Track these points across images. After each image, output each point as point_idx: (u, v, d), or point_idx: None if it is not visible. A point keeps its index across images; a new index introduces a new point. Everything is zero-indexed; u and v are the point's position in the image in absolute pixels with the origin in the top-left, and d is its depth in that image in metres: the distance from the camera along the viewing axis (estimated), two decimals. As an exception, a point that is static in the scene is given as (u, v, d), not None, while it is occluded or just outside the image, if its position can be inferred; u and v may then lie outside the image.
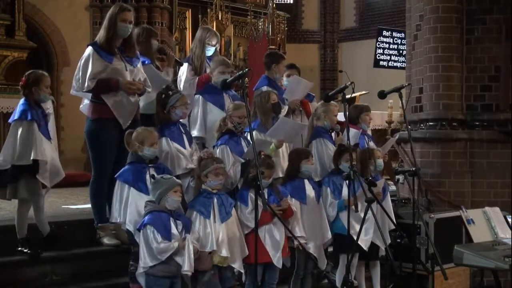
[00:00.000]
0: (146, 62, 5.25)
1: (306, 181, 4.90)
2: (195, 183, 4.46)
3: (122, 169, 4.38)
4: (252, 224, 4.14)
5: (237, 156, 4.80)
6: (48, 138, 4.73)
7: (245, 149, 4.80)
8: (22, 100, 4.69)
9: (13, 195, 4.66)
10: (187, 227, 4.12)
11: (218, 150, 4.86)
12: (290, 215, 4.62)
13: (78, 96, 4.98)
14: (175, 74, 6.05)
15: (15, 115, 4.66)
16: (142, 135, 4.36)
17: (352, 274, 4.74)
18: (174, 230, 4.01)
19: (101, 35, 4.86)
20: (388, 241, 5.19)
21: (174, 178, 4.21)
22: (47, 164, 4.63)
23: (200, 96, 5.33)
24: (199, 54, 5.63)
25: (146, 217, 4.02)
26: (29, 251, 4.59)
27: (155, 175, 4.14)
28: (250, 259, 4.32)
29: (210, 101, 5.30)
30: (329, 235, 4.95)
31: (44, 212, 4.85)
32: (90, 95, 4.85)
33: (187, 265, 3.98)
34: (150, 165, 4.36)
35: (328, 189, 5.05)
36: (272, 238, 4.49)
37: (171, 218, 4.04)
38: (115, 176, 4.40)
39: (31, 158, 4.54)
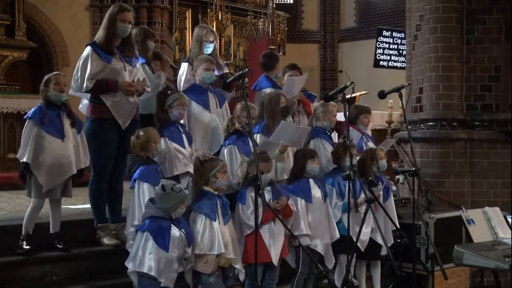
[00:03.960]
0: (141, 61, 5.25)
1: (311, 181, 4.90)
2: (194, 185, 4.43)
3: (140, 171, 4.37)
4: (253, 224, 4.15)
5: (245, 156, 4.80)
6: (60, 137, 4.66)
7: (253, 150, 4.79)
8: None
9: (29, 193, 4.67)
10: (189, 238, 4.09)
11: (226, 150, 4.86)
12: (289, 213, 4.61)
13: (77, 96, 4.98)
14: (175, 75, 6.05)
15: None
16: (154, 135, 4.46)
17: (351, 274, 4.74)
18: (175, 238, 3.97)
19: (100, 35, 4.85)
20: (391, 241, 5.21)
21: (184, 190, 4.16)
22: (44, 162, 4.57)
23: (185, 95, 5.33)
24: (197, 53, 5.62)
25: (147, 222, 3.99)
26: (29, 248, 4.58)
27: (165, 185, 4.05)
28: (250, 259, 4.32)
29: (194, 100, 5.28)
30: (337, 234, 4.93)
31: (61, 213, 4.85)
32: (88, 95, 4.85)
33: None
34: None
35: (334, 190, 5.03)
36: (272, 237, 4.49)
37: (172, 226, 4.00)
38: (134, 177, 4.39)
39: (30, 156, 4.54)
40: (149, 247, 3.92)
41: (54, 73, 4.83)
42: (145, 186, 4.31)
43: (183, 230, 4.05)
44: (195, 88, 5.34)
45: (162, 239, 3.93)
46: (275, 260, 4.48)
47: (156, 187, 4.09)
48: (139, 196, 4.33)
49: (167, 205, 4.00)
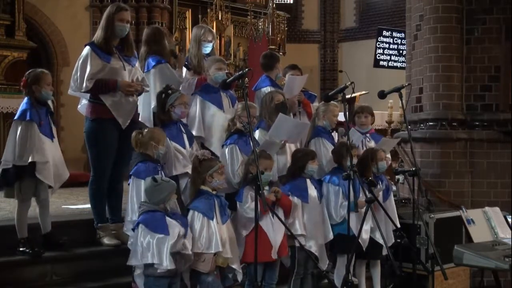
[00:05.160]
0: (163, 61, 5.26)
1: (308, 181, 4.90)
2: (191, 184, 4.43)
3: (136, 167, 4.37)
4: (253, 215, 4.17)
5: (246, 156, 4.78)
6: (51, 137, 4.69)
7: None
8: (25, 99, 4.68)
9: (17, 195, 4.64)
10: (185, 227, 4.10)
11: (227, 150, 4.85)
12: (288, 204, 4.59)
13: (76, 96, 4.98)
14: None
15: (16, 115, 4.65)
16: (158, 135, 4.43)
17: (351, 274, 4.73)
18: (171, 227, 3.97)
19: (98, 35, 4.86)
20: (392, 240, 5.21)
21: (171, 180, 4.21)
22: (47, 163, 4.60)
23: (198, 96, 5.33)
24: (195, 52, 5.62)
25: (141, 217, 4.01)
26: (30, 251, 4.59)
27: (156, 177, 4.10)
28: (250, 258, 4.32)
29: (208, 100, 5.28)
30: (330, 235, 4.94)
31: (49, 212, 4.84)
32: (88, 95, 4.85)
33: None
34: (158, 164, 4.41)
35: (340, 190, 5.01)
36: (274, 227, 4.46)
37: (167, 217, 4.02)
38: (130, 173, 4.39)
39: (29, 160, 4.51)
40: (146, 237, 3.92)
41: (42, 71, 4.77)
42: (140, 183, 4.28)
43: (179, 220, 4.06)
44: (208, 88, 5.34)
45: (157, 227, 3.93)
46: (275, 248, 4.45)
47: (145, 182, 4.09)
48: (133, 192, 4.32)
49: (161, 195, 4.01)
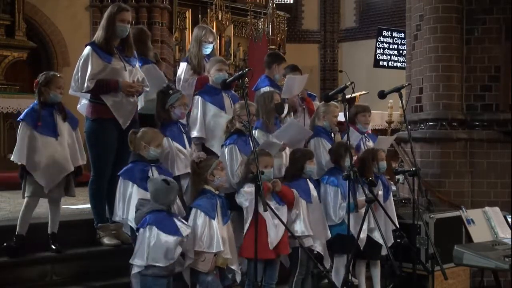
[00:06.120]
0: (149, 62, 5.30)
1: (308, 181, 4.90)
2: (192, 186, 4.44)
3: (125, 167, 4.37)
4: (246, 203, 4.38)
5: (245, 156, 4.79)
6: (55, 135, 4.65)
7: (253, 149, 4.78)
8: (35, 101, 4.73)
9: (24, 193, 4.66)
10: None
11: (226, 150, 4.85)
12: (291, 197, 4.62)
13: (76, 96, 4.98)
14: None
15: None
16: (149, 136, 4.38)
17: (351, 274, 4.74)
18: (180, 225, 4.02)
19: (99, 35, 4.86)
20: (391, 241, 5.21)
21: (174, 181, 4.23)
22: (40, 162, 4.57)
23: (199, 97, 5.33)
24: (196, 52, 5.64)
25: (148, 216, 4.01)
26: (18, 247, 4.55)
27: (167, 179, 4.12)
28: (250, 255, 4.30)
29: (209, 101, 5.29)
30: (329, 234, 4.96)
31: (60, 212, 4.85)
32: (88, 95, 4.85)
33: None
34: (152, 164, 4.37)
35: (339, 190, 5.01)
36: (272, 227, 4.48)
37: (178, 219, 4.07)
38: (118, 173, 4.38)
39: (21, 158, 4.54)
40: (156, 239, 3.93)
41: (54, 74, 4.80)
42: (128, 184, 4.29)
43: (183, 220, 4.12)
44: (210, 89, 5.35)
45: (168, 228, 3.96)
46: (271, 243, 4.45)
47: (154, 183, 4.10)
48: (120, 192, 4.32)
49: (171, 197, 4.07)
